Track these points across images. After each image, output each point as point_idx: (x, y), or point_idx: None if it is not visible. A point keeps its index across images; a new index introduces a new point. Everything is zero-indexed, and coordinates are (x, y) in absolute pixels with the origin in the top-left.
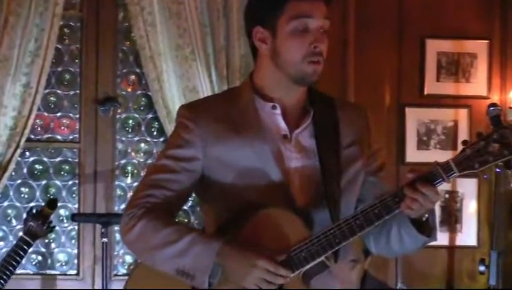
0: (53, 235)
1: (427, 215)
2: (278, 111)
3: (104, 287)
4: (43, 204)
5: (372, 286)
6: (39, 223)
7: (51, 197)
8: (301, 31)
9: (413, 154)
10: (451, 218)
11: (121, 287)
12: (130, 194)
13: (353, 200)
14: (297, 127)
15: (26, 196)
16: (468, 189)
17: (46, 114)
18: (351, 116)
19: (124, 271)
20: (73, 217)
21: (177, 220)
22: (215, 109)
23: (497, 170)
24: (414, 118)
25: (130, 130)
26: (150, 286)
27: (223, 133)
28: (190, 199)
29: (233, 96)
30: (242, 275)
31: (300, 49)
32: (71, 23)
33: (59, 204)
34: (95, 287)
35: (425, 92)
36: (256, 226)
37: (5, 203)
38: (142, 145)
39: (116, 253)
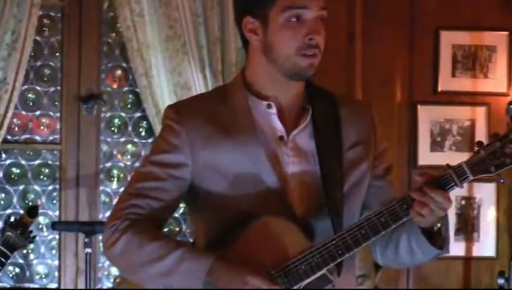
0: (32, 246)
1: (439, 225)
2: (274, 110)
3: None
4: (20, 211)
5: None
6: (18, 233)
7: (30, 203)
8: (295, 22)
9: (426, 157)
10: (468, 226)
11: None
12: (115, 200)
13: (357, 207)
14: (294, 128)
15: (2, 202)
16: (486, 195)
17: (23, 113)
18: (354, 113)
19: (110, 284)
20: (54, 226)
21: (167, 229)
22: (205, 110)
23: None
24: (427, 117)
25: (115, 130)
26: None
27: (214, 136)
28: (181, 205)
29: (224, 95)
30: None
31: (294, 41)
32: (51, 14)
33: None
34: None
35: (440, 89)
36: (251, 236)
37: None
38: (129, 146)
39: (100, 265)
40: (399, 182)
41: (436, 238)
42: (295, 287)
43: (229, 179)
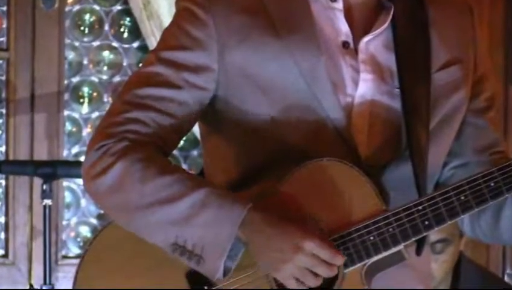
0: None
1: None
2: (340, 5)
3: (47, 276)
4: None
5: (469, 274)
6: None
7: None
8: None
9: None
10: None
11: (72, 276)
12: (86, 130)
13: (444, 152)
14: (366, 33)
15: None
16: None
17: None
18: (448, 17)
19: (77, 251)
20: (0, 167)
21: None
22: None
23: None
24: None
25: (86, 31)
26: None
27: (254, 32)
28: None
29: None
30: (276, 261)
31: None
32: None
33: None
34: (33, 276)
35: None
36: (301, 184)
37: None
38: (106, 53)
39: (65, 222)
40: None
41: None
42: (358, 265)
43: (270, 95)
